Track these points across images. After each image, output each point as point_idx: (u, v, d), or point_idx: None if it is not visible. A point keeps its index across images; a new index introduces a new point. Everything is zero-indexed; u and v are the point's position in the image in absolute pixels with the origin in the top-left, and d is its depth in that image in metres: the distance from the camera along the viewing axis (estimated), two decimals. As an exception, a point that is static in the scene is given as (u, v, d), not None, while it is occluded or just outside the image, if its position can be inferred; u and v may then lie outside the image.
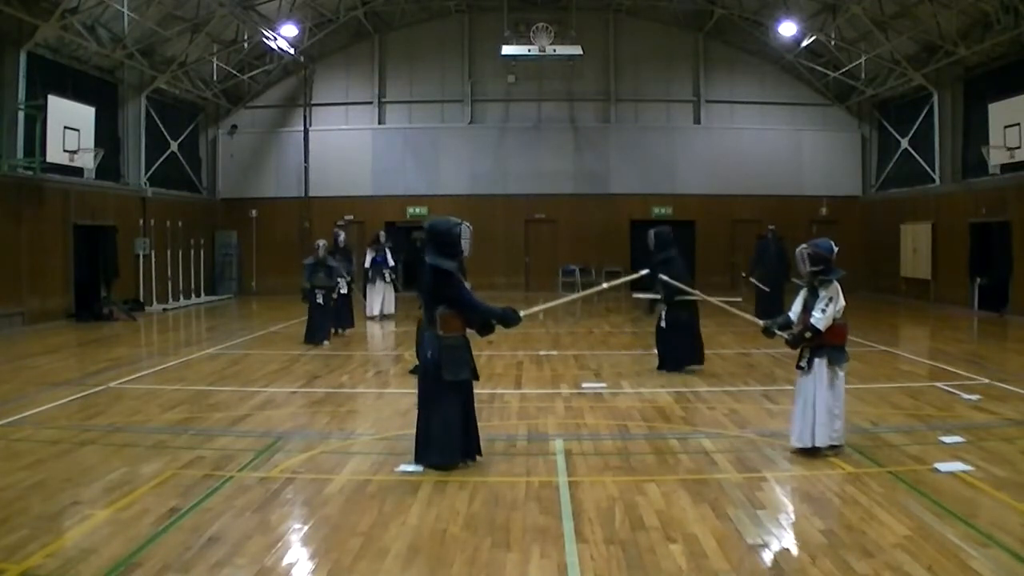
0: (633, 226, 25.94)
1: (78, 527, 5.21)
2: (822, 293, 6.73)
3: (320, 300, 13.95)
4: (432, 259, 6.41)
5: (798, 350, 6.92)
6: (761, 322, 7.43)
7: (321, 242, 14.40)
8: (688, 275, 11.16)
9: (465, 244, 6.56)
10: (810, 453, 6.74)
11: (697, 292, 10.32)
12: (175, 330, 18.17)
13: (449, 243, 6.47)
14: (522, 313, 6.65)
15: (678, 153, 26.08)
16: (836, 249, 6.88)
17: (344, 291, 14.99)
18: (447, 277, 6.38)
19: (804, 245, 6.93)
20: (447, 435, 6.39)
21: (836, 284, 6.76)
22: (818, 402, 6.67)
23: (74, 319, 18.22)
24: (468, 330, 6.60)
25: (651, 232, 11.43)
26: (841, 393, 6.79)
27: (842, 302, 6.77)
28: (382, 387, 10.50)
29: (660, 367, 11.24)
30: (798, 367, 6.89)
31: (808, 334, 6.73)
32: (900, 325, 18.01)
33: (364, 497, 5.87)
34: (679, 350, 11.09)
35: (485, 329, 6.65)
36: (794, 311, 7.02)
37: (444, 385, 6.37)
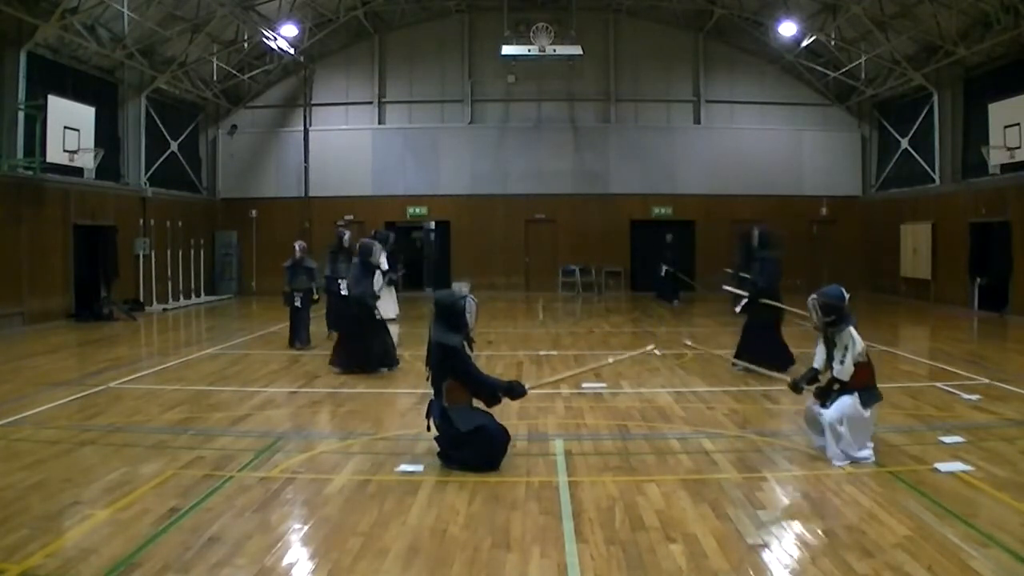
0: (633, 226, 26.01)
1: (78, 527, 5.21)
2: (838, 342, 6.64)
3: (298, 303, 13.86)
4: (437, 335, 6.53)
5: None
6: (788, 379, 7.27)
7: (298, 243, 14.31)
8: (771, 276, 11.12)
9: (470, 318, 6.66)
10: (815, 456, 6.73)
11: (742, 296, 11.06)
12: (175, 330, 18.17)
13: (454, 315, 6.59)
14: (527, 386, 6.74)
15: (678, 153, 26.05)
16: (848, 295, 6.75)
17: (344, 293, 14.88)
18: (453, 353, 6.47)
19: (813, 295, 6.78)
20: (486, 444, 6.49)
21: (850, 330, 6.59)
22: (846, 421, 6.52)
23: (74, 319, 18.21)
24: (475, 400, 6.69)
25: (755, 230, 11.51)
26: (865, 422, 6.58)
27: (860, 345, 6.58)
28: (382, 387, 10.49)
29: (734, 362, 10.94)
30: (822, 406, 6.69)
31: (835, 386, 6.65)
32: (900, 325, 17.99)
33: (364, 497, 5.87)
34: (754, 347, 10.79)
35: (492, 400, 6.70)
36: (818, 361, 6.87)
37: (464, 433, 6.44)
